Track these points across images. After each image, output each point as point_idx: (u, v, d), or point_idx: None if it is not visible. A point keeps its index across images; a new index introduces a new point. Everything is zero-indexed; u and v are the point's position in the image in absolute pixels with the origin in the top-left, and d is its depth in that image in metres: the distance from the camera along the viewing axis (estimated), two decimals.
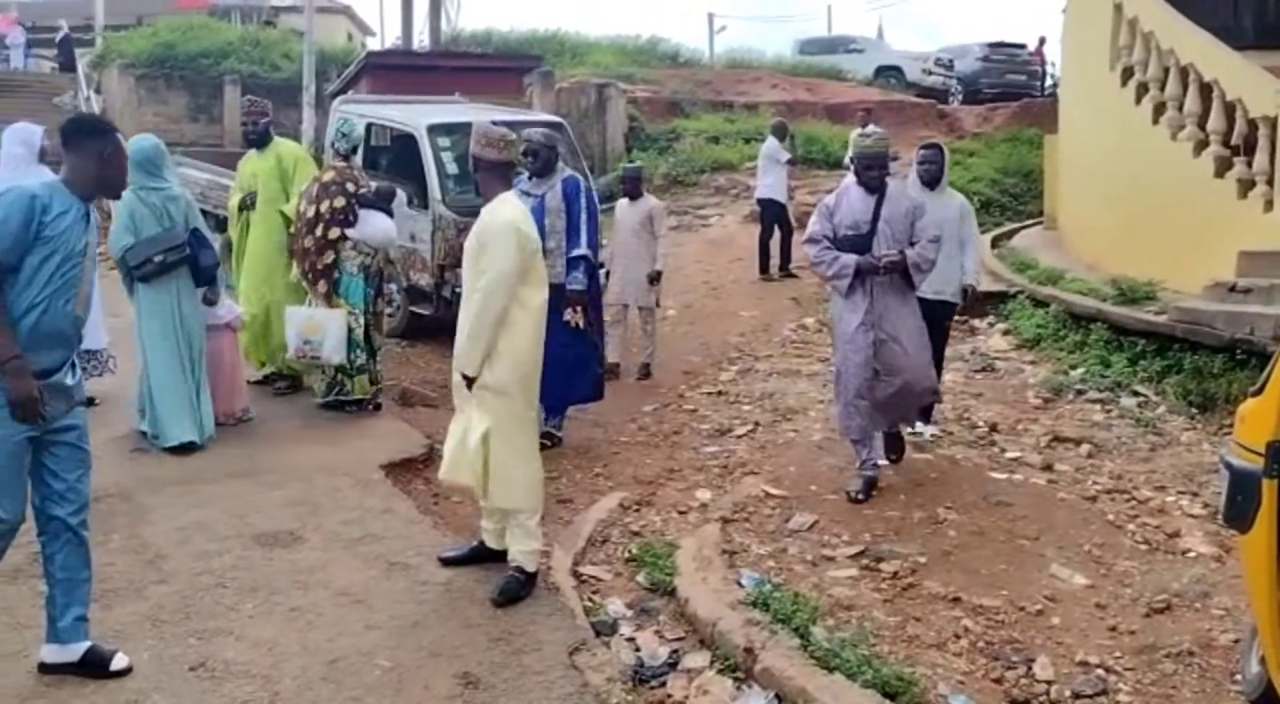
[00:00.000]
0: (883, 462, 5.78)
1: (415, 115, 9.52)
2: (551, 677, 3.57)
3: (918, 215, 5.50)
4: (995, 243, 12.95)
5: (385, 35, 33.94)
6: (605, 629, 4.07)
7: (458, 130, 9.07)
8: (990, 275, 10.75)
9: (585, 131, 16.54)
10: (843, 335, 5.53)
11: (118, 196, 3.68)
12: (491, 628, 3.89)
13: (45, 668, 3.41)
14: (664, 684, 3.69)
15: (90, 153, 3.48)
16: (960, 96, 23.87)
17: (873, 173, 5.44)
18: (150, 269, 5.78)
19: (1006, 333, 9.58)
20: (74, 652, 3.42)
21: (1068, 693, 3.71)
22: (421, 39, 22.10)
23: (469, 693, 3.44)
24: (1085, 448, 6.40)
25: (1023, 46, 25.02)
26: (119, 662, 3.45)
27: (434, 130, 9.05)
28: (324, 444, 6.05)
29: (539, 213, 5.92)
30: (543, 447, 4.94)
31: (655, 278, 8.39)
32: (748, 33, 47.48)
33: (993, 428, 6.81)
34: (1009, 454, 6.30)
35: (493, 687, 3.49)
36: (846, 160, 9.68)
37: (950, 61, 24.44)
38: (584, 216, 6.36)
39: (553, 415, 6.45)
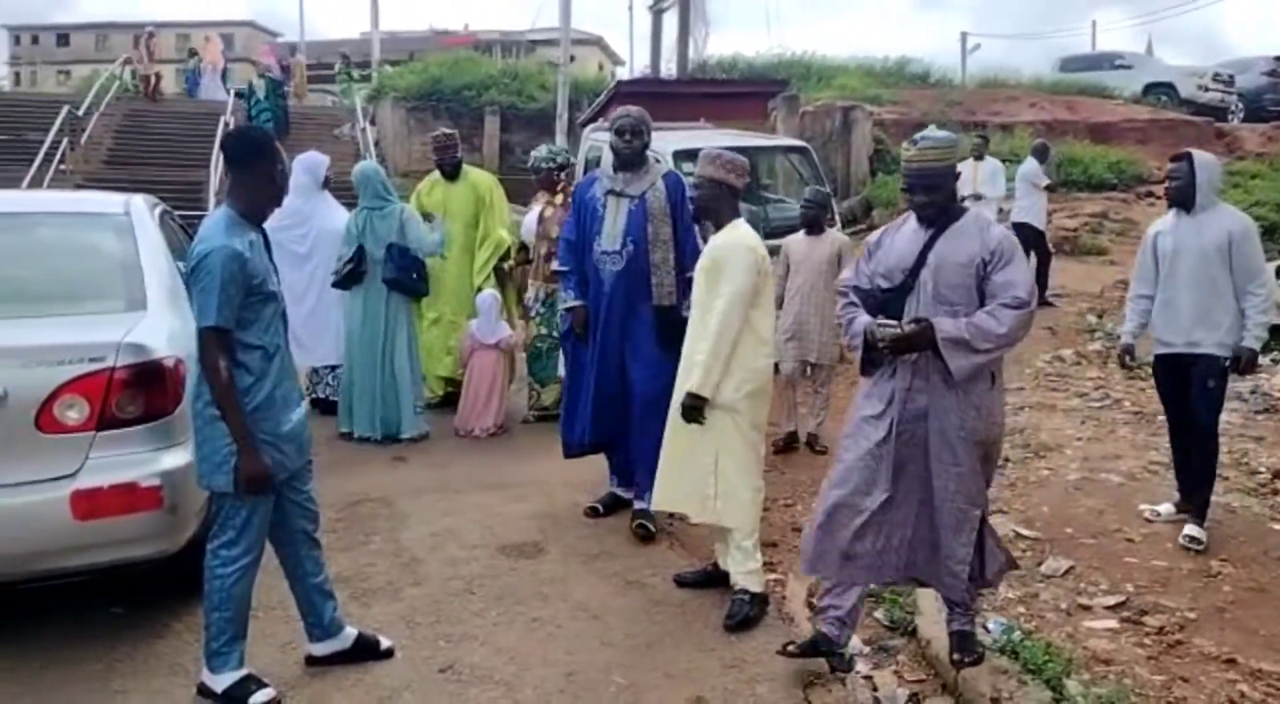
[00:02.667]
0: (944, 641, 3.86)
1: (661, 141, 9.69)
2: None
3: (998, 262, 3.47)
4: None
5: (634, 64, 34.90)
6: (841, 665, 3.95)
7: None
8: (1275, 307, 9.83)
9: (830, 155, 16.39)
10: (846, 424, 3.79)
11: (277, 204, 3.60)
12: (725, 653, 3.86)
13: (313, 660, 3.67)
14: None
15: (263, 173, 3.40)
16: (1242, 114, 22.05)
17: (922, 199, 3.58)
18: (336, 279, 6.62)
19: None
20: (346, 639, 3.67)
21: None
22: (669, 67, 22.57)
23: None
24: None
25: None
26: (386, 643, 3.75)
27: (679, 155, 9.19)
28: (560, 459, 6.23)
29: (639, 216, 4.97)
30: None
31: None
32: (1003, 51, 45.77)
33: (1275, 475, 6.19)
34: None
35: None
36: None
37: (1230, 77, 22.62)
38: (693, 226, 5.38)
39: (639, 490, 5.10)
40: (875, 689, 3.78)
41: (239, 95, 16.34)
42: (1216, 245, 4.97)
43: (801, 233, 6.87)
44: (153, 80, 21.48)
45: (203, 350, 3.18)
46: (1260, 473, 6.26)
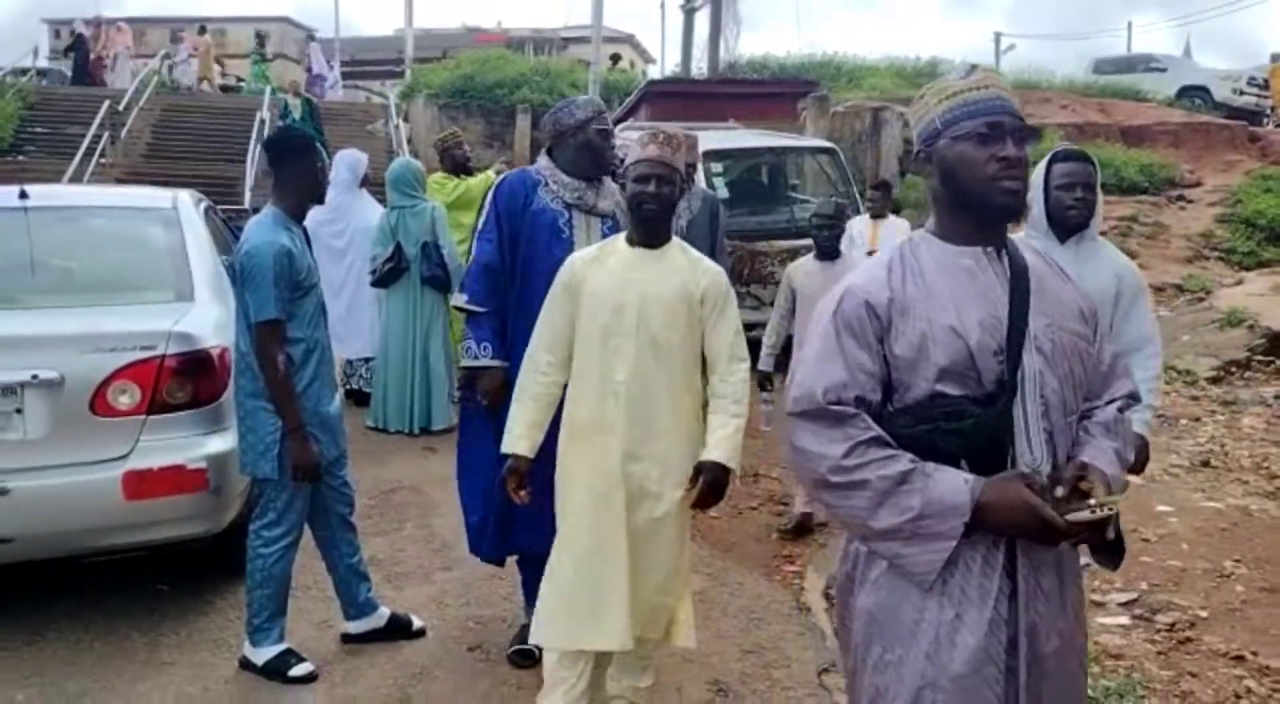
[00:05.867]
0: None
1: None
2: (800, 693, 3.62)
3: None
4: None
5: (666, 62, 35.02)
6: None
7: (731, 156, 9.33)
8: None
9: (859, 155, 16.45)
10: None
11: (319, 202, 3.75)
12: (743, 640, 3.99)
13: (349, 638, 3.83)
14: None
15: (305, 172, 3.56)
16: (1277, 118, 21.92)
17: (1003, 205, 1.96)
18: (373, 278, 6.76)
19: None
20: (380, 618, 3.83)
21: None
22: (700, 66, 22.68)
23: (720, 700, 3.56)
24: None
25: None
26: (418, 623, 3.91)
27: (709, 156, 9.32)
28: None
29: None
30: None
31: None
32: (1037, 52, 45.54)
33: None
34: None
35: (742, 697, 3.59)
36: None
37: (1265, 81, 22.47)
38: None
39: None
40: None
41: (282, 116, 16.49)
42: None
43: (810, 257, 5.35)
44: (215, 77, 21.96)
45: (260, 343, 3.36)
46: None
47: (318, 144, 3.68)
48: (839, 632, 2.18)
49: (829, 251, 5.22)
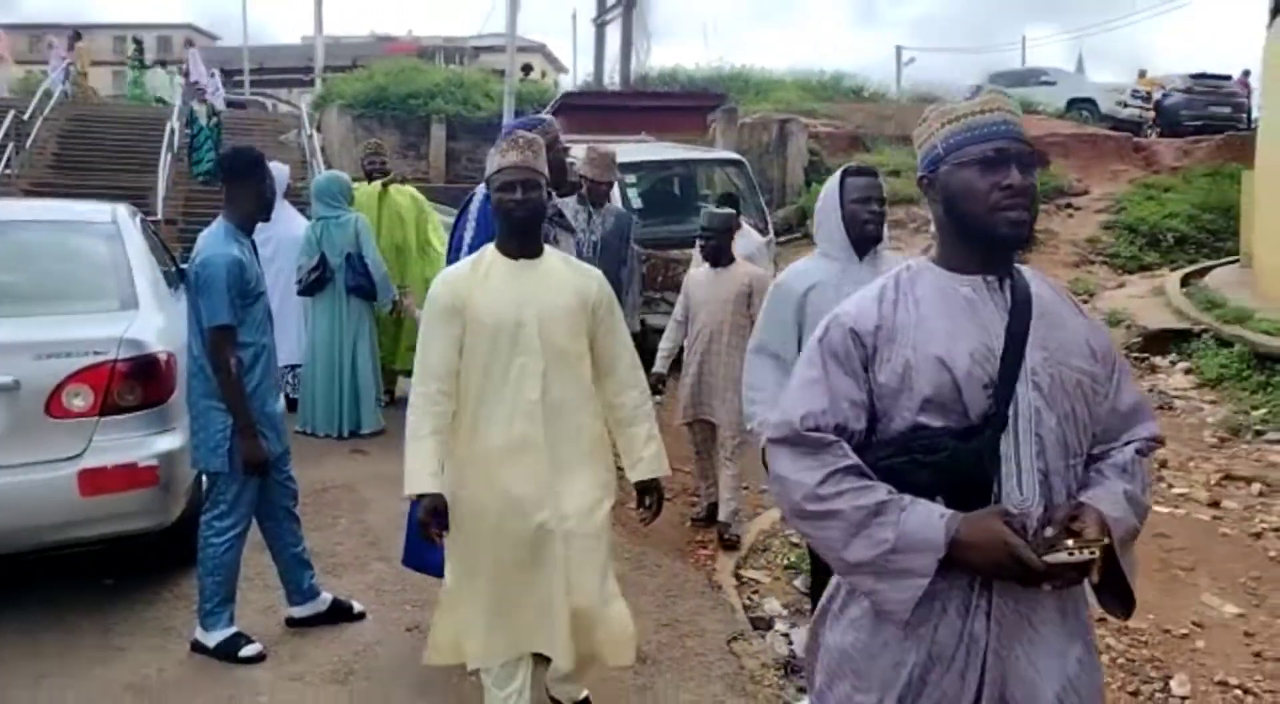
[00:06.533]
0: None
1: None
2: (711, 659, 4.01)
3: (1115, 362, 2.02)
4: (1186, 280, 12.66)
5: (578, 73, 35.37)
6: (762, 625, 4.49)
7: (644, 167, 9.74)
8: (1175, 313, 10.64)
9: (766, 167, 17.03)
10: None
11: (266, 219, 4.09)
12: (660, 615, 4.36)
13: (293, 621, 4.10)
14: None
15: (255, 188, 3.88)
16: (1158, 130, 23.14)
17: (1021, 213, 1.87)
18: (299, 287, 7.00)
19: (1188, 372, 9.43)
20: (323, 603, 4.12)
21: None
22: (613, 78, 23.10)
23: (639, 667, 3.90)
24: (1257, 487, 6.37)
25: (1227, 78, 24.01)
26: (358, 607, 4.20)
27: (623, 167, 9.66)
28: None
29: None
30: None
31: None
32: (938, 65, 47.08)
33: (1162, 464, 6.82)
34: (1175, 490, 6.35)
35: (659, 663, 3.95)
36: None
37: (1147, 94, 23.73)
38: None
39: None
40: (791, 644, 4.31)
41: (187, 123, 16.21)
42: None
43: (705, 267, 5.64)
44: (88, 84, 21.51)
45: (214, 347, 3.63)
46: None
47: (266, 162, 3.98)
48: (806, 657, 2.15)
49: (716, 259, 5.51)
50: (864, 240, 3.47)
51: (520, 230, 3.03)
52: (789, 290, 3.54)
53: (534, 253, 3.07)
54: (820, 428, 1.90)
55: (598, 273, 3.19)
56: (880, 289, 1.99)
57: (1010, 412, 1.85)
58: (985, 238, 1.91)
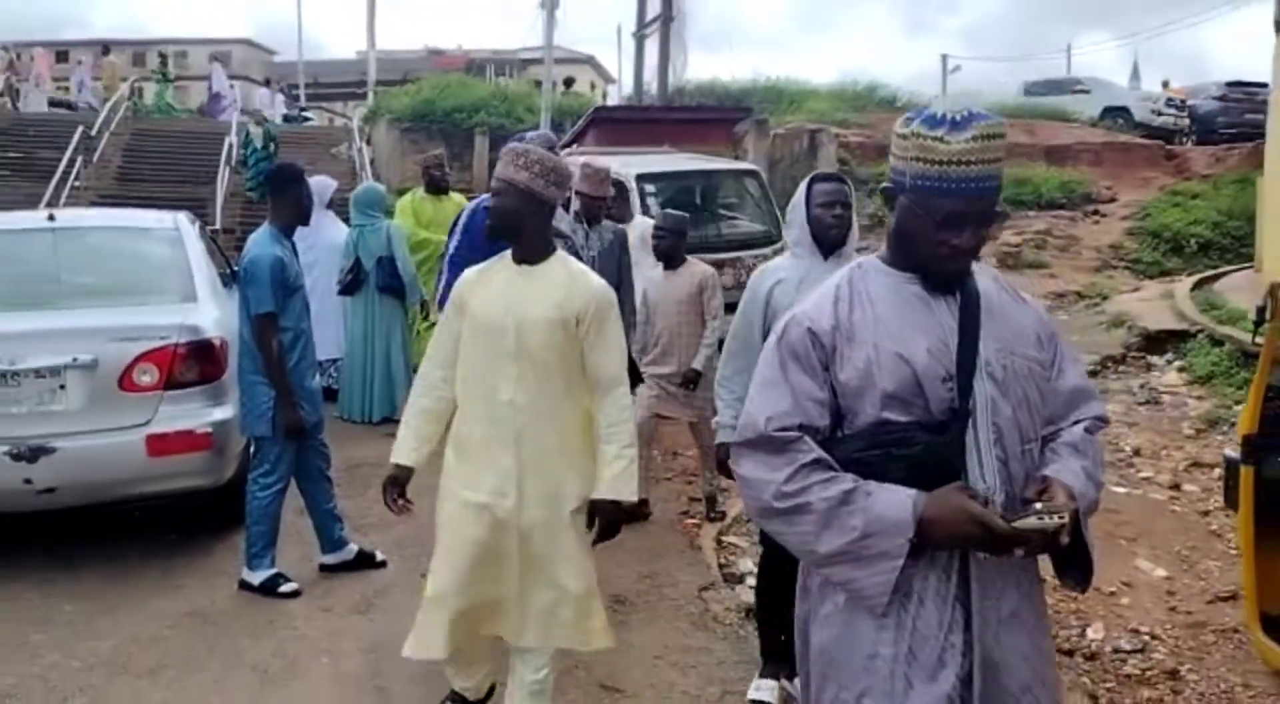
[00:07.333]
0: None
1: (626, 165, 10.84)
2: (682, 602, 4.63)
3: (1060, 347, 2.14)
4: (1199, 285, 13.00)
5: (624, 84, 36.06)
6: (734, 580, 5.09)
7: (664, 178, 10.38)
8: (1177, 316, 11.04)
9: (797, 175, 17.52)
10: None
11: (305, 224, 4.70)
12: (642, 568, 4.99)
13: (324, 567, 4.80)
14: None
15: (294, 196, 4.54)
16: (1194, 137, 23.28)
17: (971, 237, 1.95)
18: (339, 288, 7.72)
19: (1181, 370, 9.85)
20: (350, 552, 4.81)
21: (1108, 647, 4.43)
22: (651, 90, 23.74)
23: (619, 606, 4.54)
24: (1218, 472, 6.82)
25: (1264, 86, 24.03)
26: (380, 557, 4.89)
27: (643, 178, 10.32)
28: None
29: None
30: None
31: (693, 379, 5.58)
32: (984, 73, 47.07)
33: (1136, 452, 7.27)
34: (1141, 474, 6.82)
35: (636, 606, 4.59)
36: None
37: (1182, 102, 23.90)
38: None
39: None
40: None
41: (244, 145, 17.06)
42: None
43: (660, 268, 5.82)
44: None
45: (260, 331, 4.34)
46: (1122, 451, 7.34)
47: (306, 178, 4.69)
48: (799, 668, 2.17)
49: (669, 260, 5.73)
50: (828, 242, 3.64)
51: (493, 237, 3.16)
52: (757, 287, 3.73)
53: (533, 259, 3.13)
54: (785, 428, 1.96)
55: (599, 285, 3.17)
56: (835, 289, 2.05)
57: (967, 409, 1.93)
58: (923, 269, 2.00)
